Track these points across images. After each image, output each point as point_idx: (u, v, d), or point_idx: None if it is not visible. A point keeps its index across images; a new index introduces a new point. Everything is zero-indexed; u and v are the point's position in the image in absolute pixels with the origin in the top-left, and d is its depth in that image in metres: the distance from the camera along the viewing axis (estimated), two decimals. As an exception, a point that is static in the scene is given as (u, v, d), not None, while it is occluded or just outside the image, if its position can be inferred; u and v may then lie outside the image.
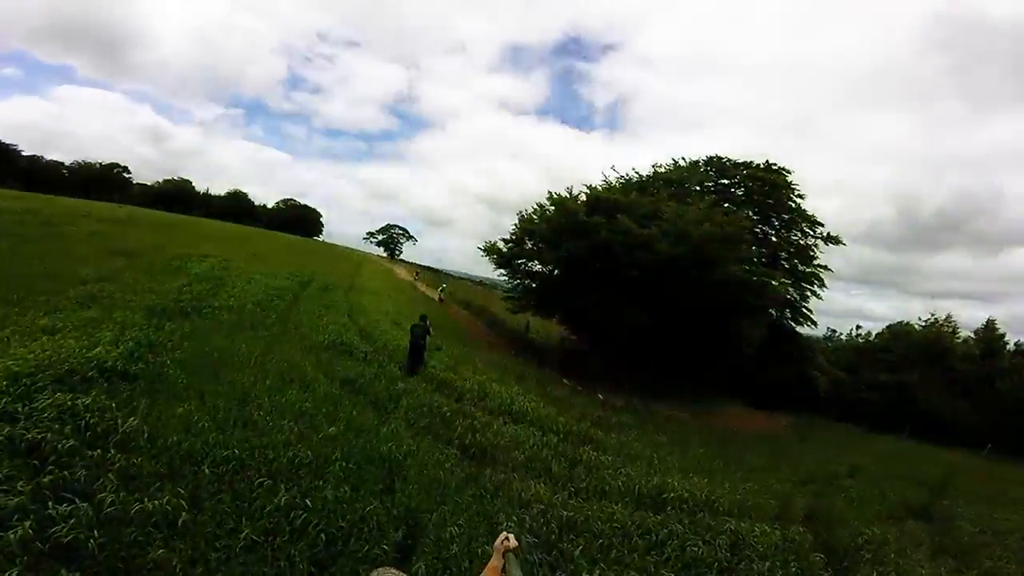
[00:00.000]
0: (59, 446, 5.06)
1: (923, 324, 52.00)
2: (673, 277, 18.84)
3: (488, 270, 27.42)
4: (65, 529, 4.14)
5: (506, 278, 25.54)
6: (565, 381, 18.59)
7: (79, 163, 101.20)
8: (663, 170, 33.14)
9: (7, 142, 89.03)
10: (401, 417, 8.91)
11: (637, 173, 30.14)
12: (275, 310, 15.45)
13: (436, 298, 36.14)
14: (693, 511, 7.99)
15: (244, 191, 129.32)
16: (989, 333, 48.65)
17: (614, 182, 26.24)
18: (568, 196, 22.53)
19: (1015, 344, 46.86)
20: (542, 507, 6.46)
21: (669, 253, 18.37)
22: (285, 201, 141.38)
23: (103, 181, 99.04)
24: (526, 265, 24.74)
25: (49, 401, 5.69)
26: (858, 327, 63.22)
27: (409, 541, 5.22)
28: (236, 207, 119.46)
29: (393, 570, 1.86)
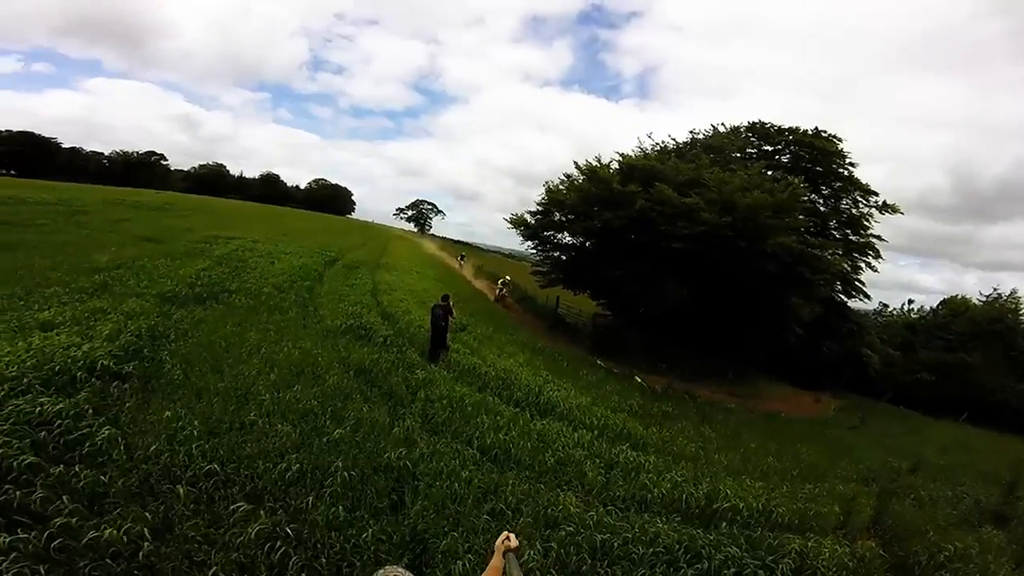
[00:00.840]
0: (16, 462, 4.42)
1: (983, 299, 48.12)
2: (719, 249, 17.33)
3: (516, 243, 26.41)
4: (5, 563, 3.49)
5: (535, 251, 24.44)
6: (599, 362, 17.58)
7: (118, 153, 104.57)
8: (702, 136, 31.00)
9: (47, 136, 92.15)
10: (418, 413, 8.12)
11: (673, 139, 28.17)
12: (295, 292, 14.93)
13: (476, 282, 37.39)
14: (749, 524, 6.97)
15: (276, 173, 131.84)
16: None
17: (648, 150, 24.49)
18: (599, 164, 21.01)
19: None
20: (571, 528, 5.55)
21: (715, 223, 16.82)
22: (316, 181, 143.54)
23: (141, 169, 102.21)
24: (555, 237, 23.54)
25: (13, 408, 5.04)
26: (910, 301, 59.23)
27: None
28: (269, 189, 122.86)
29: (400, 569, 1.76)
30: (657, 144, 27.90)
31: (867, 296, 28.69)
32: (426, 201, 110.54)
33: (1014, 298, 46.23)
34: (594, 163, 21.00)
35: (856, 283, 26.77)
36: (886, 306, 63.22)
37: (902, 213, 32.95)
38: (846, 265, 22.75)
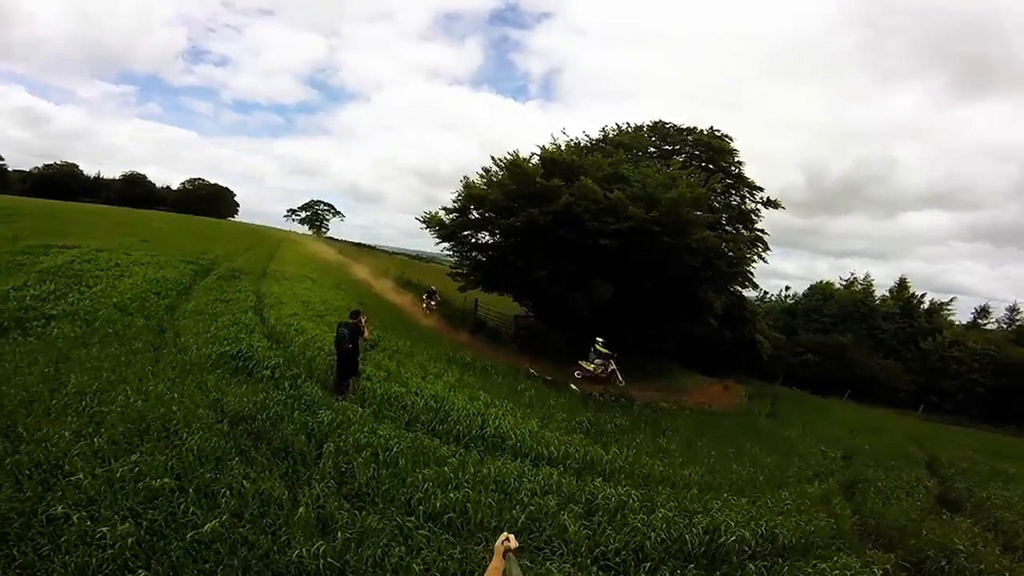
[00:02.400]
0: None
1: (844, 283, 54.42)
2: (644, 245, 16.62)
3: (423, 244, 24.21)
4: None
5: (450, 252, 22.36)
6: (532, 371, 15.99)
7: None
8: (612, 134, 30.96)
9: None
10: (329, 474, 5.86)
11: (587, 136, 27.60)
12: (148, 313, 11.60)
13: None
14: (759, 556, 5.79)
15: (142, 173, 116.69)
16: (903, 292, 51.38)
17: (562, 146, 23.56)
18: (520, 158, 19.56)
19: (930, 303, 49.72)
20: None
21: (641, 218, 16.05)
22: (192, 181, 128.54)
23: None
24: (473, 237, 21.68)
25: None
26: (787, 288, 65.51)
27: None
28: (133, 191, 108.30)
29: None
30: (571, 140, 27.15)
31: (755, 286, 30.34)
32: (322, 202, 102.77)
33: (868, 281, 52.81)
34: (513, 157, 19.45)
35: (748, 274, 28.11)
36: (766, 293, 69.28)
37: (784, 208, 35.62)
38: (755, 258, 23.53)
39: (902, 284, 51.91)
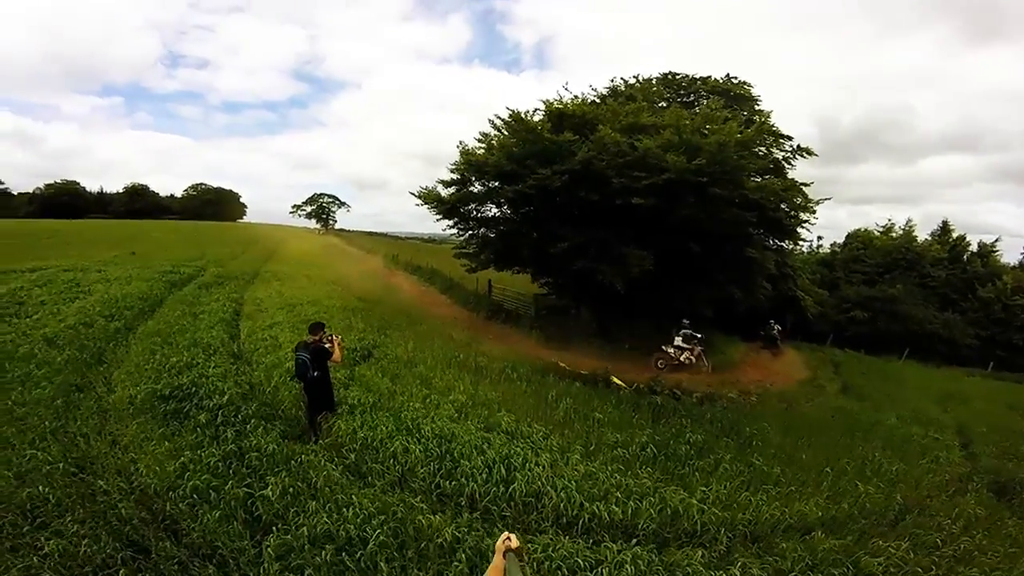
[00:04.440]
0: None
1: (881, 230, 49.78)
2: (687, 200, 13.70)
3: (434, 227, 21.51)
4: None
5: (455, 231, 19.70)
6: (561, 364, 13.41)
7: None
8: (622, 87, 27.46)
9: None
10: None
11: (594, 89, 24.25)
12: (84, 342, 9.39)
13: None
14: None
15: (144, 184, 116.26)
16: (946, 235, 46.54)
17: (568, 103, 20.48)
18: (519, 115, 16.56)
19: (979, 246, 44.85)
20: None
21: (683, 168, 13.09)
22: (195, 187, 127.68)
23: None
24: (477, 211, 18.94)
25: None
26: (820, 239, 60.98)
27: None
28: (138, 202, 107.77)
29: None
30: (576, 96, 23.95)
31: (800, 240, 26.86)
32: (326, 194, 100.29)
33: (910, 226, 48.09)
34: (513, 113, 16.44)
35: (808, 225, 24.88)
36: (797, 244, 64.31)
37: (816, 155, 31.78)
38: (814, 206, 20.12)
39: (945, 227, 47.30)
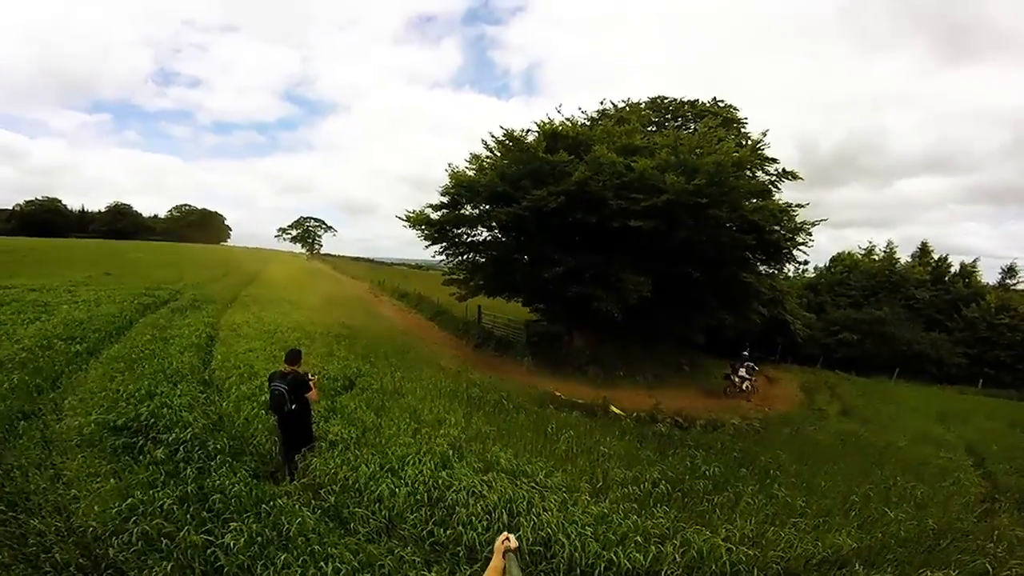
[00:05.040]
0: None
1: (863, 253, 50.40)
2: (686, 222, 13.33)
3: (423, 252, 20.89)
4: None
5: (444, 256, 19.07)
6: (557, 393, 12.73)
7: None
8: (612, 109, 27.59)
9: None
10: None
11: (583, 111, 24.23)
12: (42, 365, 8.58)
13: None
14: None
15: (127, 204, 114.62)
16: (926, 256, 47.32)
17: (560, 124, 20.35)
18: (513, 134, 16.23)
19: (960, 266, 45.63)
20: None
21: (681, 189, 12.76)
22: (179, 208, 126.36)
23: None
24: (467, 235, 18.40)
25: None
26: (804, 263, 61.37)
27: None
28: (120, 222, 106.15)
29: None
30: (568, 118, 23.93)
31: (796, 262, 26.86)
32: (312, 218, 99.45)
33: (891, 248, 48.64)
34: (507, 132, 16.10)
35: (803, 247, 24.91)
36: (795, 267, 64.66)
37: (802, 179, 32.13)
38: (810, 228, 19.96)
39: (924, 249, 48.17)
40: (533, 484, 5.97)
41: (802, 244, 15.88)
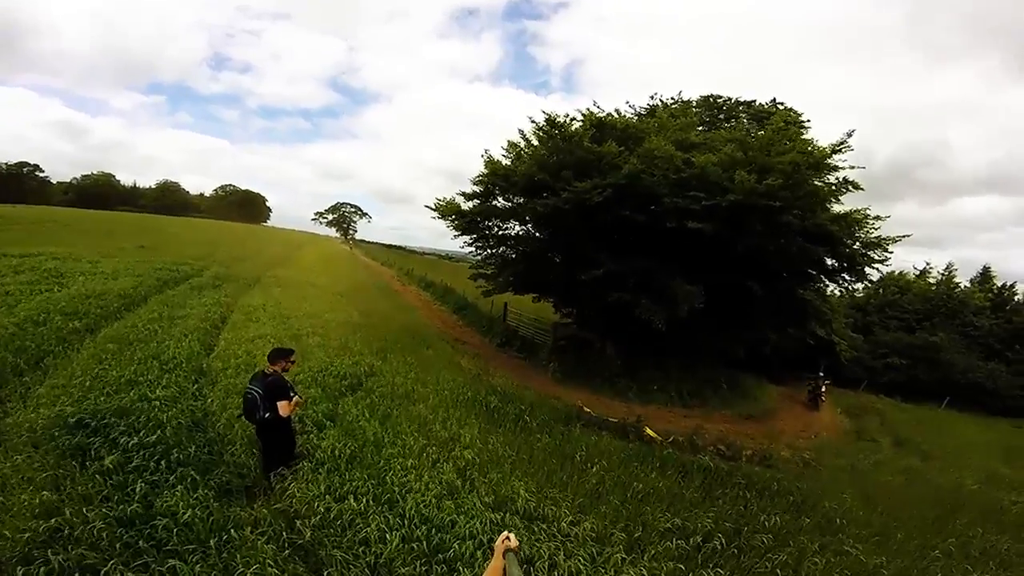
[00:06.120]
0: None
1: (916, 274, 46.95)
2: (754, 228, 11.76)
3: (455, 243, 19.96)
4: None
5: (474, 248, 18.00)
6: (586, 409, 11.50)
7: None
8: (661, 107, 25.95)
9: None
10: None
11: (630, 105, 22.67)
12: (42, 338, 8.00)
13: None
14: None
15: (175, 181, 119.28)
16: (988, 282, 43.93)
17: (605, 115, 18.94)
18: (555, 119, 14.90)
19: None
20: None
21: (751, 189, 11.18)
22: (223, 187, 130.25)
23: (11, 182, 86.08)
24: (499, 228, 17.27)
25: None
26: (879, 280, 57.85)
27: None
28: (168, 199, 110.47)
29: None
30: (610, 114, 22.54)
31: (869, 280, 24.98)
32: (349, 204, 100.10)
33: (950, 271, 45.17)
34: (549, 116, 14.78)
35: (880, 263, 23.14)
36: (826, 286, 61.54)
37: (863, 189, 29.88)
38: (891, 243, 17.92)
39: (986, 274, 44.74)
40: (556, 531, 4.84)
41: (879, 262, 14.07)
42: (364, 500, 4.65)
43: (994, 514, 8.81)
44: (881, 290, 49.23)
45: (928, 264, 42.52)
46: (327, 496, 4.68)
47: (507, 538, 2.20)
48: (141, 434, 5.23)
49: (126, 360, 7.66)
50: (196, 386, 7.31)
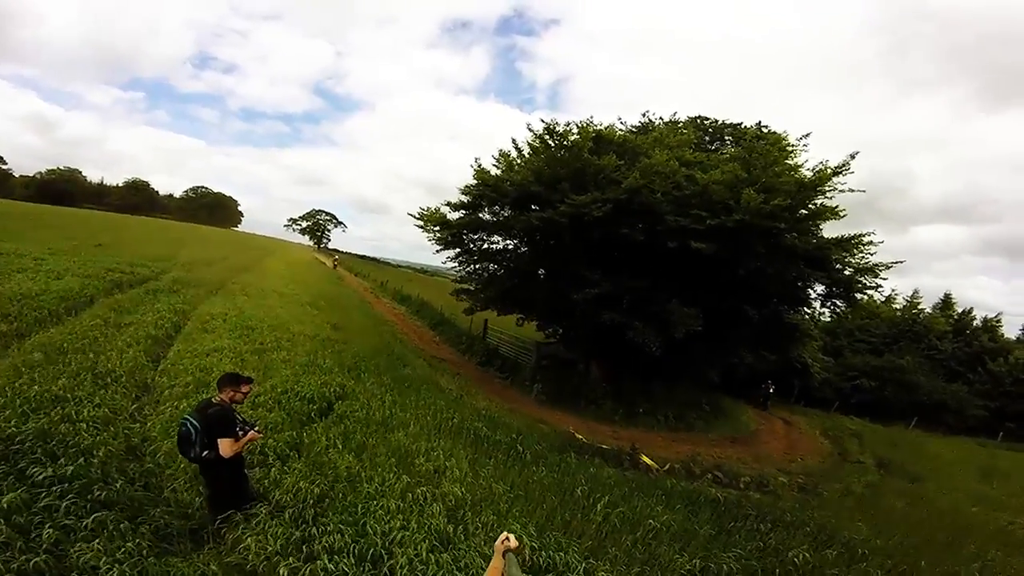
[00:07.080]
0: None
1: (882, 300, 48.44)
2: (756, 250, 11.35)
3: (428, 256, 19.19)
4: None
5: (456, 263, 17.14)
6: (578, 436, 10.73)
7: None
8: (652, 124, 25.84)
9: None
10: None
11: (622, 121, 22.43)
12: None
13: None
14: None
15: (145, 180, 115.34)
16: (949, 308, 45.76)
17: (602, 128, 18.54)
18: (554, 128, 14.30)
19: (984, 320, 44.13)
20: None
21: (757, 208, 10.79)
22: (194, 189, 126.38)
23: None
24: (486, 242, 16.50)
25: None
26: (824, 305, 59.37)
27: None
28: (136, 198, 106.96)
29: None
30: (608, 126, 22.18)
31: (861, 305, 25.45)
32: (324, 211, 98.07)
33: (915, 298, 46.86)
34: (548, 125, 14.12)
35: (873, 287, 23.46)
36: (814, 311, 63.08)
37: (845, 215, 30.54)
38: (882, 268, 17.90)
39: (947, 301, 46.68)
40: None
41: (871, 288, 13.89)
42: (342, 560, 3.73)
43: (997, 535, 8.76)
44: (849, 315, 50.45)
45: (893, 291, 44.05)
46: (293, 551, 3.77)
47: (507, 538, 2.18)
48: (59, 463, 4.22)
49: (55, 372, 6.54)
50: (136, 405, 6.27)
